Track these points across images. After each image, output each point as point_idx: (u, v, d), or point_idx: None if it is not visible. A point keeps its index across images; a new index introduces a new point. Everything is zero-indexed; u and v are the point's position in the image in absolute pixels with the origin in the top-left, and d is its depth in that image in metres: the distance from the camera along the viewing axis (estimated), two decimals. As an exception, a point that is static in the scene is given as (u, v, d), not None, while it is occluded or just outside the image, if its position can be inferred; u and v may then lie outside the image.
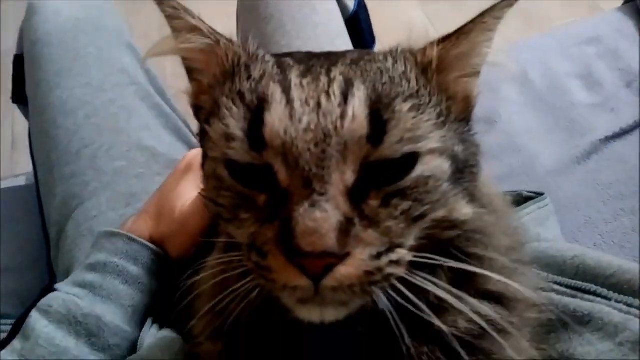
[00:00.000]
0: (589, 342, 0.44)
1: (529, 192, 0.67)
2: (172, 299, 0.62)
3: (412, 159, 0.36)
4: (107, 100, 0.79)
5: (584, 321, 0.45)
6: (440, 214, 0.37)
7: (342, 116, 0.35)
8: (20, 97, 0.91)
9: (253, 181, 0.37)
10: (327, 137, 0.35)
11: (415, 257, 0.36)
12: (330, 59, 0.40)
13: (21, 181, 1.32)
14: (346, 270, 0.34)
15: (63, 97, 0.79)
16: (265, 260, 0.35)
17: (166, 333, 0.58)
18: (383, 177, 0.36)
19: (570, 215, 0.80)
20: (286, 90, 0.36)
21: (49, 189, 0.77)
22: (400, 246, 0.36)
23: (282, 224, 0.34)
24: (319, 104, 0.35)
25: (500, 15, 0.40)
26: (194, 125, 0.96)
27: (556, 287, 0.49)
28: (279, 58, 0.41)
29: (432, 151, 0.37)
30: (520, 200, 0.66)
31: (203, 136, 0.41)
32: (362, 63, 0.38)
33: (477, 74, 0.42)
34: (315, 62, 0.39)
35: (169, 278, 0.62)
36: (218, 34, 0.42)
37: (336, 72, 0.37)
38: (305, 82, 0.37)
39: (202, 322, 0.46)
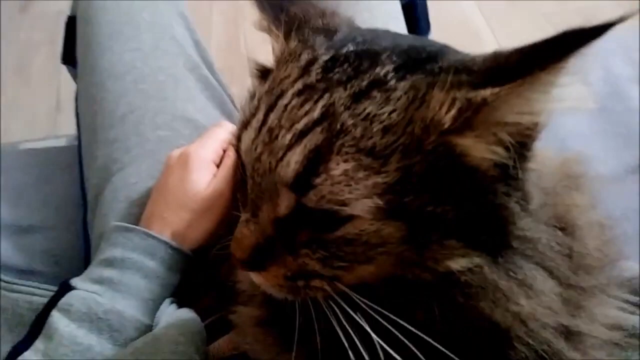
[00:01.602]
0: None
1: None
2: (189, 289, 0.63)
3: (340, 217, 0.36)
4: (156, 67, 0.79)
5: None
6: (368, 269, 0.38)
7: (281, 158, 0.36)
8: (69, 58, 0.91)
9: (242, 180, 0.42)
10: (265, 173, 0.37)
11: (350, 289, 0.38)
12: (352, 73, 0.37)
13: (62, 142, 1.34)
14: (259, 279, 0.41)
15: (112, 60, 0.78)
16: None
17: (184, 312, 0.58)
18: (315, 220, 0.37)
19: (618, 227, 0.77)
20: (269, 110, 0.38)
21: (90, 152, 0.77)
22: (318, 277, 0.39)
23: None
24: (275, 137, 0.37)
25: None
26: (239, 100, 0.96)
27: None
28: (317, 55, 0.39)
29: (364, 215, 0.35)
30: None
31: None
32: (360, 96, 0.36)
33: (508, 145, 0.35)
34: (331, 73, 0.37)
35: (188, 273, 0.63)
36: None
37: (321, 103, 0.36)
38: (292, 104, 0.37)
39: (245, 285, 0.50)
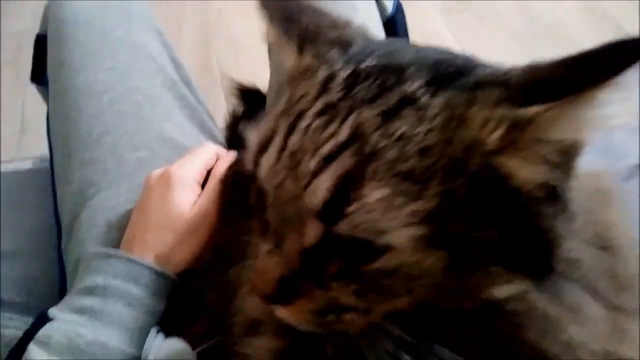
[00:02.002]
0: None
1: None
2: (176, 315, 0.60)
3: (376, 246, 0.33)
4: (133, 87, 0.76)
5: None
6: (405, 300, 0.35)
7: (307, 185, 0.33)
8: (39, 77, 0.87)
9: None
10: (290, 201, 0.34)
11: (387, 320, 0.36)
12: (377, 90, 0.34)
13: (28, 165, 1.29)
14: (285, 314, 0.37)
15: (87, 80, 0.75)
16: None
17: (174, 343, 0.55)
18: (347, 251, 0.34)
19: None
20: (289, 133, 0.35)
21: (64, 174, 0.74)
22: (351, 310, 0.36)
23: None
24: (299, 163, 0.34)
25: None
26: (219, 119, 0.94)
27: None
28: (335, 70, 0.36)
29: (403, 245, 0.32)
30: None
31: None
32: (390, 115, 0.33)
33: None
34: (354, 90, 0.34)
35: (173, 298, 0.60)
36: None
37: (348, 124, 0.33)
38: (314, 125, 0.34)
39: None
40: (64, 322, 0.54)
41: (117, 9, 0.83)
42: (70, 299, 0.57)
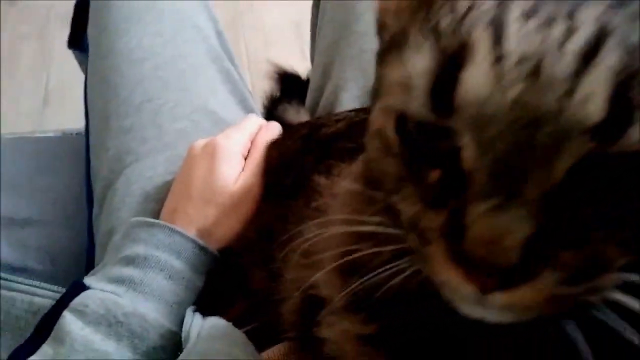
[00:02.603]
0: None
1: None
2: (212, 295, 0.56)
3: None
4: (177, 55, 0.73)
5: None
6: None
7: (570, 92, 0.24)
8: (77, 42, 0.85)
9: (426, 148, 0.29)
10: (540, 120, 0.25)
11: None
12: None
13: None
14: (524, 295, 0.26)
15: (130, 44, 0.72)
16: (426, 248, 0.28)
17: (218, 322, 0.51)
18: (605, 181, 0.26)
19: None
20: (497, 39, 0.26)
21: (101, 141, 0.71)
22: (609, 269, 0.27)
23: (453, 216, 0.27)
24: (538, 69, 0.25)
25: None
26: (259, 98, 0.91)
27: None
28: None
29: None
30: None
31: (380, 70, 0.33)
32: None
33: None
34: None
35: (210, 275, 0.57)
36: None
37: (586, 16, 0.25)
38: (529, 27, 0.26)
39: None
40: (101, 291, 0.51)
41: (167, -23, 0.80)
42: (109, 269, 0.54)
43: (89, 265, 0.68)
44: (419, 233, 0.29)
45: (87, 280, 0.53)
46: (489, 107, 0.26)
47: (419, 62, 0.28)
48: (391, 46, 0.31)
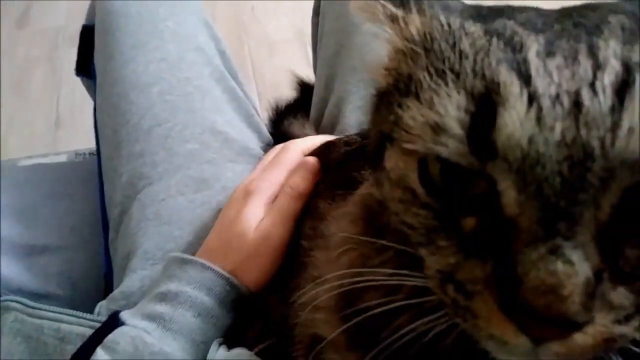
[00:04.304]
0: None
1: None
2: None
3: None
4: (183, 78, 0.75)
5: None
6: None
7: (614, 127, 0.24)
8: (84, 69, 0.87)
9: (458, 195, 0.28)
10: (588, 158, 0.25)
11: None
12: (586, 22, 0.28)
13: (62, 159, 1.29)
14: (583, 340, 0.25)
15: (137, 71, 0.74)
16: (469, 301, 0.27)
17: (240, 351, 0.52)
18: None
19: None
20: (525, 78, 0.26)
21: (113, 167, 0.72)
22: None
23: (500, 265, 0.26)
24: (577, 105, 0.25)
25: None
26: (264, 113, 0.93)
27: None
28: (490, 24, 0.30)
29: None
30: None
31: (382, 118, 0.33)
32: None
33: None
34: (560, 29, 0.28)
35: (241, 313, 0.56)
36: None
37: (606, 51, 0.26)
38: (552, 64, 0.26)
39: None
40: (133, 328, 0.52)
41: (168, 1, 0.81)
42: (144, 305, 0.55)
43: (108, 288, 0.70)
44: (457, 284, 0.28)
45: (124, 315, 0.54)
46: (534, 149, 0.25)
47: (446, 104, 0.27)
48: (402, 94, 0.31)
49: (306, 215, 0.58)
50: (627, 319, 0.26)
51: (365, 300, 0.33)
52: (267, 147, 0.81)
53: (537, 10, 0.32)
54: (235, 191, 0.62)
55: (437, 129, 0.27)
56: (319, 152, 0.65)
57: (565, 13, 0.30)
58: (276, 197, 0.59)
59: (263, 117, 0.90)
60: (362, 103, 0.74)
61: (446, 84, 0.28)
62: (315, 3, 0.92)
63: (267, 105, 0.94)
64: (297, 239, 0.56)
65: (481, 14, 0.32)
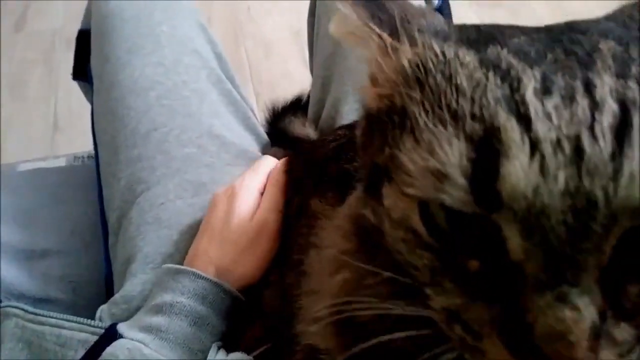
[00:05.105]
0: None
1: None
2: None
3: None
4: (180, 82, 0.75)
5: None
6: None
7: (616, 174, 0.24)
8: (81, 73, 0.87)
9: (461, 239, 0.28)
10: (592, 207, 0.25)
11: None
12: (577, 50, 0.28)
13: (61, 162, 1.29)
14: None
15: (134, 76, 0.74)
16: (477, 342, 0.28)
17: (239, 356, 0.53)
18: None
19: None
20: (525, 121, 0.26)
21: (111, 171, 0.73)
22: None
23: (507, 309, 0.27)
24: (578, 151, 0.25)
25: None
26: (262, 107, 0.93)
27: None
28: (484, 52, 0.29)
29: None
30: None
31: (374, 148, 0.32)
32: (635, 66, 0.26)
33: None
34: (554, 60, 0.27)
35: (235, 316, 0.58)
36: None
37: (602, 88, 0.26)
38: (550, 104, 0.26)
39: None
40: (130, 340, 0.53)
41: (163, 3, 0.82)
42: (141, 317, 0.56)
43: (109, 292, 0.70)
44: (464, 324, 0.28)
45: (121, 327, 0.55)
46: (540, 200, 0.25)
47: (450, 152, 0.27)
48: (394, 125, 0.31)
49: (299, 213, 0.58)
50: (629, 351, 0.27)
51: (363, 319, 0.34)
52: (264, 150, 0.82)
53: (522, 31, 0.31)
54: (214, 198, 0.64)
55: (439, 177, 0.27)
56: (303, 151, 0.66)
57: (555, 37, 0.30)
58: (262, 192, 0.63)
59: (260, 118, 0.90)
60: (359, 104, 0.75)
61: (444, 127, 0.28)
62: (311, 3, 0.93)
63: (263, 105, 0.95)
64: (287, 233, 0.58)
65: (471, 39, 0.31)
